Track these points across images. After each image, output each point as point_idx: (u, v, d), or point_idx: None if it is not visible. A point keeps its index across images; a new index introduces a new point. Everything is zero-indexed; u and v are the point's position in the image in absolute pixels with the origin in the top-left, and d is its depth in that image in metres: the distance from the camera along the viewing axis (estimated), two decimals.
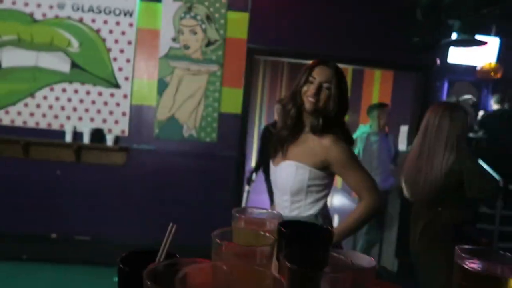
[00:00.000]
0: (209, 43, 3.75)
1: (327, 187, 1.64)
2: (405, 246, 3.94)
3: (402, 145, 4.13)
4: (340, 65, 1.68)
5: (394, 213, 4.04)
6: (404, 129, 4.11)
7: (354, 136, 3.77)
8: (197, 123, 3.77)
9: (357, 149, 3.91)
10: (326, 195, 1.65)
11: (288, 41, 3.84)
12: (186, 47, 3.73)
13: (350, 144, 1.66)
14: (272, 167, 1.74)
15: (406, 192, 2.32)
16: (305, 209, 1.61)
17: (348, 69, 5.42)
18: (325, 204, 1.67)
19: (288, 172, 1.60)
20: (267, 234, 0.71)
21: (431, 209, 2.18)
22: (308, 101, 1.60)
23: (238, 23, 3.76)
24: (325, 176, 1.61)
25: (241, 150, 3.86)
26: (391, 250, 4.00)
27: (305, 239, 0.66)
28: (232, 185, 3.80)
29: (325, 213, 1.65)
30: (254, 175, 4.16)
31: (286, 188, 1.62)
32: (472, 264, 0.70)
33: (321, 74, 1.60)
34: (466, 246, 0.72)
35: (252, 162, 6.43)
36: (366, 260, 0.74)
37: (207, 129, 3.78)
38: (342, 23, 3.88)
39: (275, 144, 1.70)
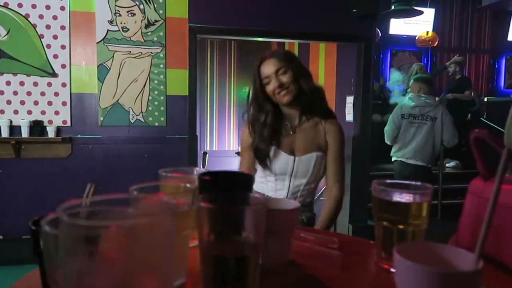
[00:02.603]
0: (149, 24, 3.62)
1: None
2: (357, 213, 4.13)
3: (348, 116, 4.25)
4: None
5: (346, 182, 4.18)
6: (350, 100, 4.23)
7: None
8: (144, 107, 3.67)
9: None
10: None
11: (230, 18, 3.80)
12: (125, 29, 3.58)
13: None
14: (289, 157, 1.64)
15: None
16: (308, 195, 1.68)
17: (294, 44, 5.46)
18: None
19: (314, 162, 1.63)
20: (188, 185, 0.71)
21: None
22: (281, 96, 1.59)
23: (178, 2, 3.66)
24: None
25: (192, 132, 3.81)
26: (345, 217, 4.16)
27: (224, 185, 0.66)
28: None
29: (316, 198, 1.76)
30: (207, 156, 4.13)
31: (307, 177, 1.64)
32: (388, 196, 0.74)
33: (269, 66, 1.59)
34: (382, 181, 0.75)
35: (207, 144, 6.39)
36: (291, 204, 0.76)
37: (154, 113, 3.69)
38: None
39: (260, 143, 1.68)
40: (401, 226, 0.72)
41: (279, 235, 0.71)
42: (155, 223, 0.38)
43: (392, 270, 0.71)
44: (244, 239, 0.58)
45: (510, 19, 7.53)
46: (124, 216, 0.41)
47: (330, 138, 1.65)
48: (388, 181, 0.74)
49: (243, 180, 0.69)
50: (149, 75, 3.65)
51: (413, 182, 0.74)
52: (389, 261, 0.73)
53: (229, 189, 0.66)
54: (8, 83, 3.40)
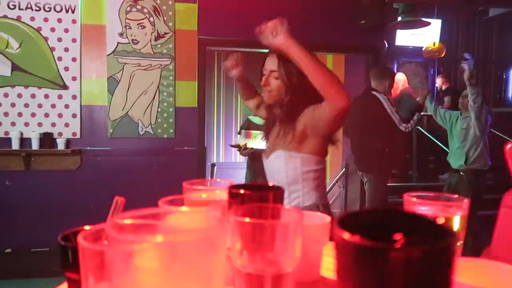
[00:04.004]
0: (158, 37, 3.65)
1: (321, 173, 1.56)
2: None
3: None
4: None
5: (356, 193, 4.14)
6: None
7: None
8: (153, 119, 3.67)
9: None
10: (322, 182, 1.57)
11: (239, 30, 3.81)
12: (135, 42, 3.61)
13: None
14: (264, 159, 1.67)
15: None
16: (304, 199, 1.52)
17: None
18: (324, 193, 1.60)
19: (279, 163, 1.53)
20: (217, 198, 0.69)
21: None
22: (264, 91, 1.61)
23: (187, 15, 3.70)
24: (318, 160, 1.53)
25: (201, 144, 3.81)
26: None
27: (255, 198, 0.65)
28: None
29: (324, 202, 1.56)
30: (215, 168, 4.12)
31: (281, 179, 1.52)
32: (422, 210, 0.72)
33: (270, 63, 1.60)
34: (414, 193, 0.73)
35: (214, 156, 6.38)
36: (320, 218, 0.74)
37: (163, 125, 3.69)
38: (291, 10, 3.91)
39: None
40: None
41: (309, 251, 0.69)
42: (206, 237, 0.36)
43: None
44: (279, 255, 0.56)
45: None
46: (173, 231, 0.39)
47: (307, 112, 1.50)
48: (421, 194, 0.72)
49: (274, 193, 0.67)
50: (158, 87, 3.67)
51: (447, 194, 0.72)
52: None
53: (260, 201, 0.64)
54: (19, 95, 3.43)
